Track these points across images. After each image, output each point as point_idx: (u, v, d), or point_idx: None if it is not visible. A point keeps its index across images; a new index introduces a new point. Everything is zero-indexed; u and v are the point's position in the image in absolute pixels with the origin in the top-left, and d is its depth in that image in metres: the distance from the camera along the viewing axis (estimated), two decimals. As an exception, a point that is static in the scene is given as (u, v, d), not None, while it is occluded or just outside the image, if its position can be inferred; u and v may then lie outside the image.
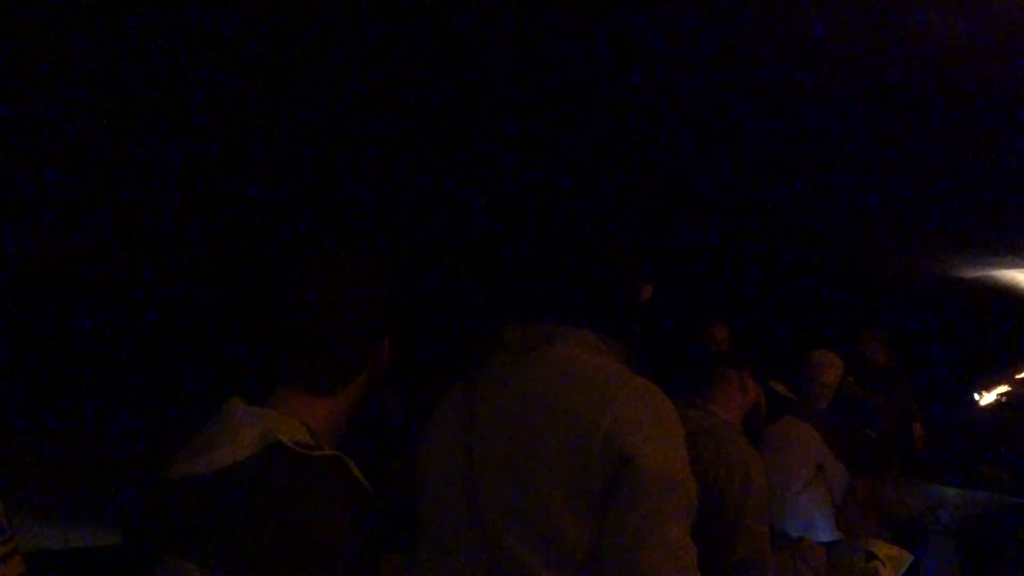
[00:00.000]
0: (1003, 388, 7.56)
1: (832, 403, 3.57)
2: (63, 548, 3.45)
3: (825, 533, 3.18)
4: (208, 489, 1.14)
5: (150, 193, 3.66)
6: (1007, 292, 6.22)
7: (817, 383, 3.50)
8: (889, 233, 4.99)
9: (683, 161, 3.64)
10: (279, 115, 3.00)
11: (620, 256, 1.43)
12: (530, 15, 2.28)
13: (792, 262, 5.77)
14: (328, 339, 1.25)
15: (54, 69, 2.40)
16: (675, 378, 3.07)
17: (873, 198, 4.19)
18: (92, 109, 2.77)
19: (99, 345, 4.58)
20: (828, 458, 3.31)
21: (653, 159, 3.64)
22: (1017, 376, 7.56)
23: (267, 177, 3.60)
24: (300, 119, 3.03)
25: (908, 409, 4.51)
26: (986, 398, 7.61)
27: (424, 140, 3.30)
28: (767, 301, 5.69)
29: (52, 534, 3.60)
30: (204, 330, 4.61)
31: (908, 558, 3.01)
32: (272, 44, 2.41)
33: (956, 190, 3.95)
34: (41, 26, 2.16)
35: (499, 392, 1.33)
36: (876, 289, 6.18)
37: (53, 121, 2.80)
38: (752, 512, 2.17)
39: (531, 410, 1.28)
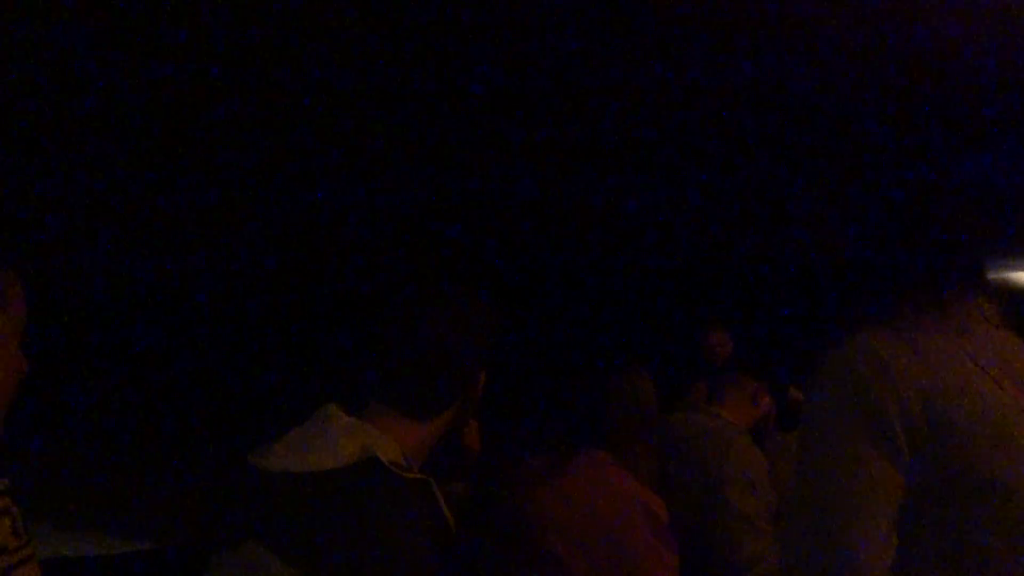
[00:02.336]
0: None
1: None
2: (78, 555, 3.47)
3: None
4: (302, 488, 1.18)
5: (260, 212, 3.66)
6: (1021, 294, 6.18)
7: None
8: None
9: (687, 165, 3.64)
10: (392, 146, 3.00)
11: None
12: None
13: (802, 265, 5.75)
14: (432, 369, 1.31)
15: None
16: (689, 387, 3.10)
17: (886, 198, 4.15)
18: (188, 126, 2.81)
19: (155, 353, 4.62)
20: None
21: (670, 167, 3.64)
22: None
23: (388, 204, 3.59)
24: (414, 152, 3.03)
25: None
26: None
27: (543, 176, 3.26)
28: (782, 306, 5.67)
29: (68, 541, 3.63)
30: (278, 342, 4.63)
31: None
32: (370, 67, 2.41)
33: (967, 190, 3.93)
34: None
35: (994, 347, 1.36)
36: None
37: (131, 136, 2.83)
38: (759, 513, 2.19)
39: None
